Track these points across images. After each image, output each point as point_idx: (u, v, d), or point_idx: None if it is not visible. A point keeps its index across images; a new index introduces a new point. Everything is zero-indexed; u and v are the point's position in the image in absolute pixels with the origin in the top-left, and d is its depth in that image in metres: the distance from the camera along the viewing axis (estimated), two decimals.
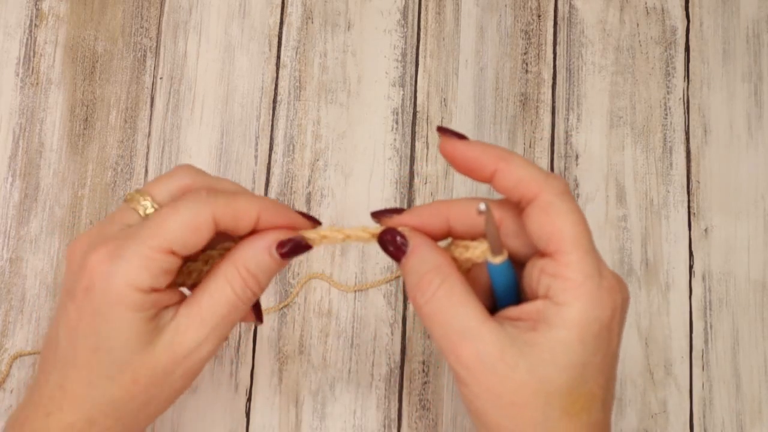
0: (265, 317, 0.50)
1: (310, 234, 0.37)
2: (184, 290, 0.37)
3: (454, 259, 0.36)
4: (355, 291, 0.51)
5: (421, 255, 0.36)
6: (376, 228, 0.37)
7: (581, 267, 0.33)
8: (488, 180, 0.35)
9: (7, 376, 0.49)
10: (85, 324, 0.34)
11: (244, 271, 0.36)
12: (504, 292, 0.36)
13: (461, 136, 0.36)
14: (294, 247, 0.36)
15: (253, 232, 0.37)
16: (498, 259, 0.35)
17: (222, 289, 0.36)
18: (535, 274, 0.34)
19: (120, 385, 0.35)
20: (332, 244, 0.38)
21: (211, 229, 0.35)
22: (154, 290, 0.35)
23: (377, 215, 0.37)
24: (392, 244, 0.36)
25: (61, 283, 0.37)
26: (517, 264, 0.36)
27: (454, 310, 0.34)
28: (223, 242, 0.38)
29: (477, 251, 0.36)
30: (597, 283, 0.33)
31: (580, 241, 0.33)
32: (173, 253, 0.34)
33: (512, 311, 0.34)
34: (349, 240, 0.37)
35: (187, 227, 0.34)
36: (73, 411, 0.35)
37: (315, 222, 0.38)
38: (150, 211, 0.37)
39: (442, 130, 0.36)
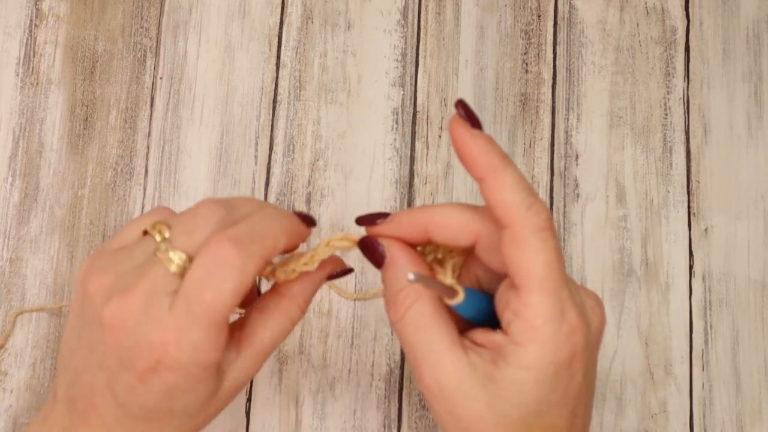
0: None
1: (342, 243, 0.38)
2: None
3: (433, 269, 0.36)
4: (355, 300, 0.51)
5: (396, 270, 0.36)
6: (335, 239, 0.37)
7: (541, 310, 0.32)
8: (478, 183, 0.34)
9: (9, 335, 0.49)
10: (156, 395, 0.34)
11: (302, 301, 0.37)
12: (474, 319, 0.36)
13: (475, 122, 0.34)
14: (339, 275, 0.39)
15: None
16: (453, 302, 0.34)
17: (283, 325, 0.37)
18: (502, 303, 0.34)
19: (191, 427, 0.36)
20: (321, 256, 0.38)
21: (251, 284, 0.34)
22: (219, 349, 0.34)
23: (361, 221, 0.37)
24: (371, 251, 0.36)
25: (82, 323, 0.36)
26: (498, 278, 0.35)
27: (420, 334, 0.34)
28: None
29: (446, 279, 0.36)
30: (556, 327, 0.32)
31: (545, 283, 0.32)
32: (229, 312, 0.34)
33: (479, 336, 0.34)
34: (332, 248, 0.38)
35: (234, 299, 0.33)
36: None
37: (310, 223, 0.38)
38: (178, 268, 0.34)
39: (460, 107, 0.34)
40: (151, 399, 0.34)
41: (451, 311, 0.35)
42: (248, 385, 0.50)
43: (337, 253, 0.39)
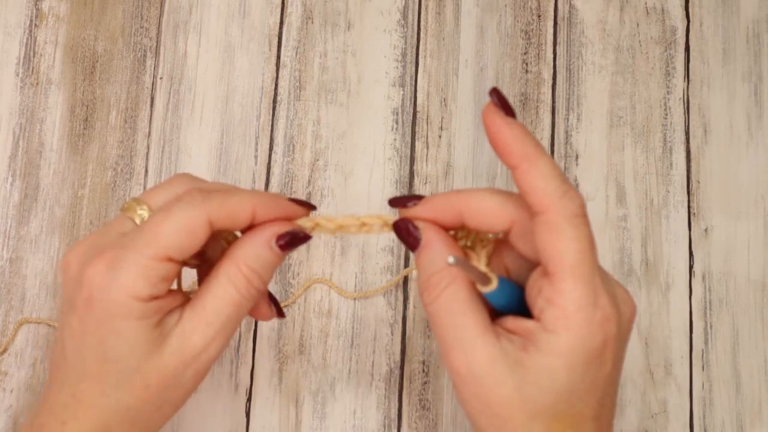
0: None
1: (305, 223, 0.37)
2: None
3: (467, 251, 0.36)
4: (355, 299, 0.51)
5: (432, 253, 0.35)
6: (369, 217, 0.37)
7: (575, 297, 0.32)
8: (511, 170, 0.34)
9: (12, 342, 0.49)
10: (90, 336, 0.34)
11: (246, 268, 0.36)
12: (504, 308, 0.35)
13: (509, 111, 0.34)
14: (292, 239, 0.36)
15: (251, 227, 0.36)
16: (486, 289, 0.34)
17: (225, 289, 0.35)
18: (534, 290, 0.34)
19: (132, 392, 0.35)
20: (326, 233, 0.38)
21: (207, 231, 0.35)
22: (155, 298, 0.34)
23: (394, 203, 0.37)
24: (406, 233, 0.36)
25: (62, 293, 0.37)
26: (528, 267, 0.35)
27: (453, 318, 0.34)
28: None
29: (480, 266, 0.36)
30: (589, 314, 0.32)
31: (579, 270, 0.32)
32: (170, 259, 0.34)
33: (511, 323, 0.34)
34: (341, 231, 0.37)
35: (183, 231, 0.34)
36: (87, 419, 0.35)
37: (309, 207, 0.38)
38: (146, 218, 0.36)
39: (494, 94, 0.34)
40: (86, 341, 0.34)
41: (482, 298, 0.35)
42: (248, 385, 0.50)
43: (330, 246, 0.39)
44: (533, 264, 0.35)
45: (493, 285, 0.34)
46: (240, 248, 0.36)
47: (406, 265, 0.52)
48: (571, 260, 0.32)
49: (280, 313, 0.40)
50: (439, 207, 0.36)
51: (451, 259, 0.32)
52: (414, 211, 0.36)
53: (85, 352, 0.35)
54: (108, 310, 0.34)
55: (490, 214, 0.35)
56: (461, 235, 0.37)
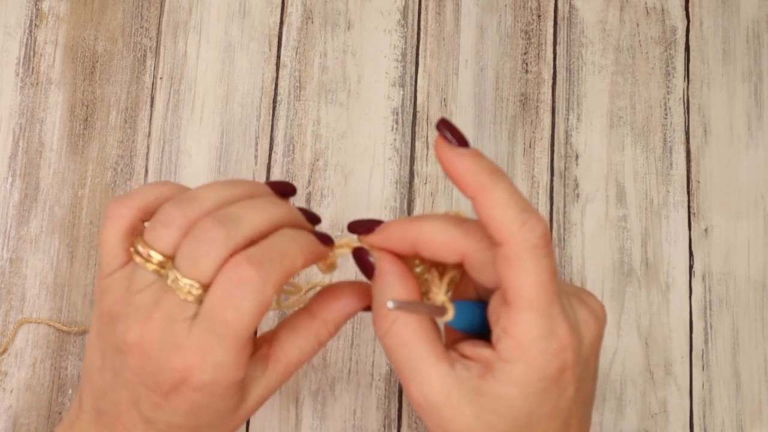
0: (264, 317, 0.50)
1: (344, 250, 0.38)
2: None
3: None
4: None
5: (383, 283, 0.35)
6: (339, 242, 0.37)
7: (531, 329, 0.32)
8: (470, 200, 0.34)
9: (12, 342, 0.49)
10: (181, 414, 0.34)
11: (333, 327, 0.37)
12: (468, 330, 0.35)
13: (461, 140, 0.34)
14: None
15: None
16: (442, 320, 0.34)
17: (311, 345, 0.37)
18: (494, 317, 0.33)
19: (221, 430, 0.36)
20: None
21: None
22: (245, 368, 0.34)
23: (352, 227, 0.37)
24: (362, 263, 0.36)
25: (99, 335, 0.36)
26: (489, 292, 0.35)
27: (406, 349, 0.34)
28: None
29: (439, 295, 0.35)
30: (544, 345, 0.32)
31: (536, 302, 0.32)
32: (251, 337, 0.34)
33: (468, 349, 0.34)
34: (335, 253, 0.38)
35: (257, 317, 0.33)
36: None
37: (327, 241, 0.38)
38: (197, 293, 0.33)
39: (442, 127, 0.34)
40: (176, 416, 0.34)
41: (435, 325, 0.35)
42: None
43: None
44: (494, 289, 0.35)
45: (449, 316, 0.34)
46: (327, 310, 0.37)
47: None
48: (529, 293, 0.32)
49: (317, 219, 0.40)
50: (393, 236, 0.35)
51: (390, 304, 0.32)
52: (369, 239, 0.36)
53: (174, 421, 0.34)
54: (203, 395, 0.34)
55: (442, 247, 0.34)
56: (418, 262, 0.37)
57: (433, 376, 0.33)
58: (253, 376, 0.36)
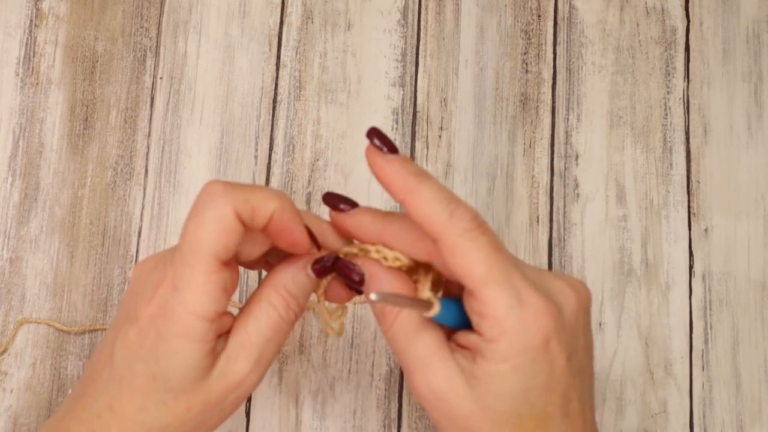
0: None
1: (352, 249, 0.38)
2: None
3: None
4: (354, 304, 0.51)
5: (377, 283, 0.36)
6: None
7: (498, 303, 0.33)
8: (401, 205, 0.35)
9: (12, 342, 0.49)
10: (146, 350, 0.34)
11: (285, 292, 0.36)
12: (457, 326, 0.36)
13: (391, 147, 0.35)
14: (327, 265, 0.37)
15: (288, 256, 0.37)
16: (428, 314, 0.34)
17: (266, 313, 0.36)
18: (468, 308, 0.35)
19: (173, 412, 0.35)
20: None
21: (239, 224, 0.34)
22: (218, 315, 0.35)
23: (328, 199, 0.37)
24: (348, 274, 0.37)
25: (122, 301, 0.37)
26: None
27: (409, 342, 0.35)
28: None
29: (424, 292, 0.36)
30: (519, 314, 0.33)
31: (492, 276, 0.33)
32: (222, 264, 0.34)
33: (462, 338, 0.35)
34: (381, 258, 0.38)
35: (220, 233, 0.34)
36: None
37: (315, 242, 0.38)
38: None
39: (372, 135, 0.36)
40: (140, 354, 0.34)
41: None
42: None
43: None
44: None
45: (435, 310, 0.34)
46: (278, 274, 0.37)
47: None
48: (479, 272, 0.33)
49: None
50: (364, 226, 0.37)
51: (374, 296, 0.33)
52: (340, 218, 0.37)
53: (136, 365, 0.35)
54: (172, 329, 0.34)
55: (407, 246, 0.36)
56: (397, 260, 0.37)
57: (436, 365, 0.34)
58: (218, 346, 0.35)
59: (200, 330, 0.34)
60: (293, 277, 0.37)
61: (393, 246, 0.36)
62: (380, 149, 0.35)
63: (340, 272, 0.37)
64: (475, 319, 0.34)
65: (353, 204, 0.37)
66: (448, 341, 0.35)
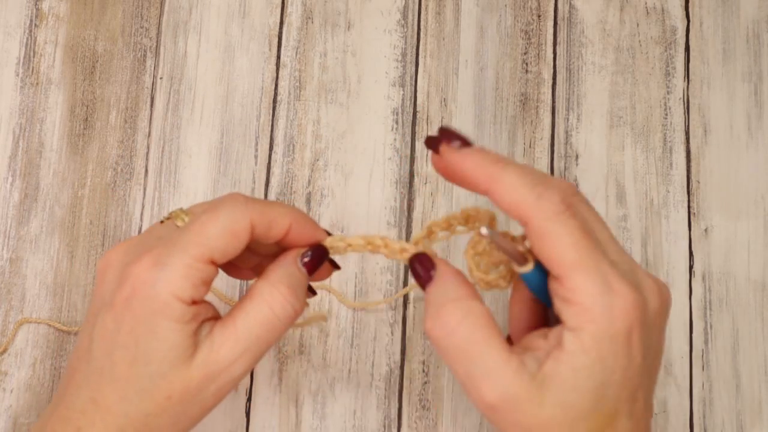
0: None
1: (336, 242, 0.37)
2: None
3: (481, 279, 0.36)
4: (356, 309, 0.51)
5: (444, 285, 0.35)
6: (399, 244, 0.37)
7: (586, 289, 0.32)
8: (488, 196, 0.34)
9: (12, 342, 0.49)
10: (124, 335, 0.34)
11: (282, 287, 0.36)
12: (540, 294, 0.35)
13: (464, 141, 0.34)
14: (315, 255, 0.37)
15: (282, 250, 0.37)
16: (523, 269, 0.34)
17: (260, 308, 0.35)
18: (552, 294, 0.34)
19: (154, 399, 0.34)
20: (358, 252, 0.38)
21: (249, 235, 0.35)
22: (195, 302, 0.34)
23: (433, 141, 0.35)
24: (422, 269, 0.36)
25: (93, 294, 0.37)
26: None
27: (476, 348, 0.33)
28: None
29: (494, 276, 0.35)
30: (607, 302, 0.32)
31: (581, 262, 0.32)
32: (212, 262, 0.34)
33: (528, 342, 0.34)
34: (373, 249, 0.37)
35: (228, 233, 0.34)
36: (105, 426, 0.35)
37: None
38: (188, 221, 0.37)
39: (443, 133, 0.34)
40: (118, 340, 0.34)
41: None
42: (248, 385, 0.50)
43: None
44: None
45: (530, 265, 0.33)
46: (274, 269, 0.36)
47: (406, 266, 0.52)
48: (570, 258, 0.32)
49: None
50: (473, 169, 0.34)
51: (483, 230, 0.32)
52: (450, 155, 0.35)
53: (115, 352, 0.34)
54: (149, 308, 0.34)
55: (511, 206, 0.33)
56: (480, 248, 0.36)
57: (509, 374, 0.33)
58: (202, 331, 0.35)
59: (177, 309, 0.34)
60: (286, 269, 0.36)
61: (497, 200, 0.33)
62: (453, 146, 0.34)
63: (416, 266, 0.36)
64: (559, 306, 0.33)
65: (465, 141, 0.35)
66: (514, 345, 0.34)
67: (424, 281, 0.36)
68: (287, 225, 0.36)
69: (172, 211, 0.37)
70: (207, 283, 0.35)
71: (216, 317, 0.36)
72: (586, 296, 0.32)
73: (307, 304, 0.39)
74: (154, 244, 0.35)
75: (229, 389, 0.36)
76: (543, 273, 0.34)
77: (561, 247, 0.32)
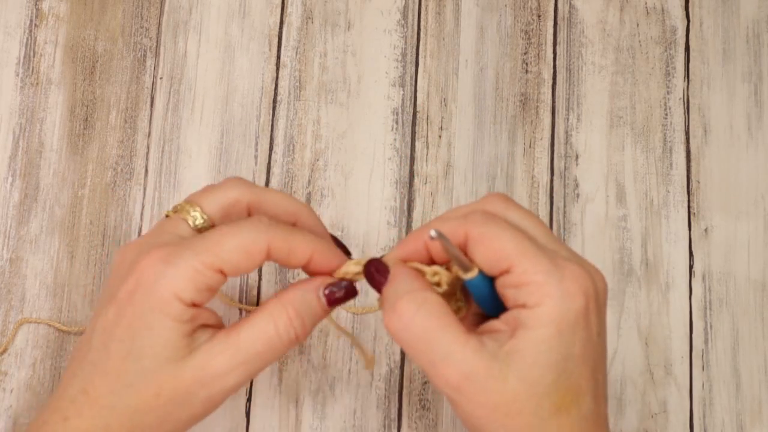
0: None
1: (353, 268, 0.38)
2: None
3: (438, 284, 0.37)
4: (354, 314, 0.51)
5: (396, 282, 0.36)
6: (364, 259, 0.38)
7: (537, 269, 0.33)
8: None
9: (12, 342, 0.49)
10: (122, 328, 0.35)
11: (291, 309, 0.36)
12: (485, 303, 0.36)
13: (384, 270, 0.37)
14: (341, 291, 0.38)
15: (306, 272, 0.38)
16: (468, 275, 0.35)
17: (264, 324, 0.36)
18: (502, 291, 0.35)
19: (141, 395, 0.35)
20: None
21: (264, 257, 0.35)
22: (195, 305, 0.35)
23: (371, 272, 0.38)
24: (377, 275, 0.37)
25: (103, 286, 0.38)
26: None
27: (435, 335, 0.34)
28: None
29: (443, 277, 0.36)
30: (559, 276, 0.33)
31: (524, 249, 0.34)
32: (222, 272, 0.35)
33: (488, 325, 0.35)
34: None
35: (243, 250, 0.35)
36: (91, 417, 0.35)
37: (345, 251, 0.40)
38: (199, 221, 0.37)
39: (372, 266, 0.37)
40: (116, 333, 0.35)
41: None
42: (248, 385, 0.50)
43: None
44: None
45: (475, 272, 0.35)
46: (289, 291, 0.37)
47: None
48: (513, 247, 0.34)
49: (347, 252, 0.41)
50: (408, 247, 0.37)
51: (433, 233, 0.34)
52: (387, 256, 0.38)
53: (111, 344, 0.35)
54: (149, 304, 0.34)
55: (450, 234, 0.36)
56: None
57: (468, 354, 0.33)
58: (200, 337, 0.35)
59: (175, 308, 0.34)
60: (303, 295, 0.37)
61: (433, 249, 0.36)
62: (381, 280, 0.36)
63: (368, 272, 0.37)
64: (512, 294, 0.34)
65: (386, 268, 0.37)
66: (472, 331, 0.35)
67: (379, 284, 0.37)
68: (308, 255, 0.37)
69: (178, 203, 0.38)
70: (211, 290, 0.35)
71: (219, 326, 0.37)
72: (539, 274, 0.33)
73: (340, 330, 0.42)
74: (167, 241, 0.36)
75: (219, 400, 0.36)
76: (488, 280, 0.36)
77: (502, 243, 0.34)
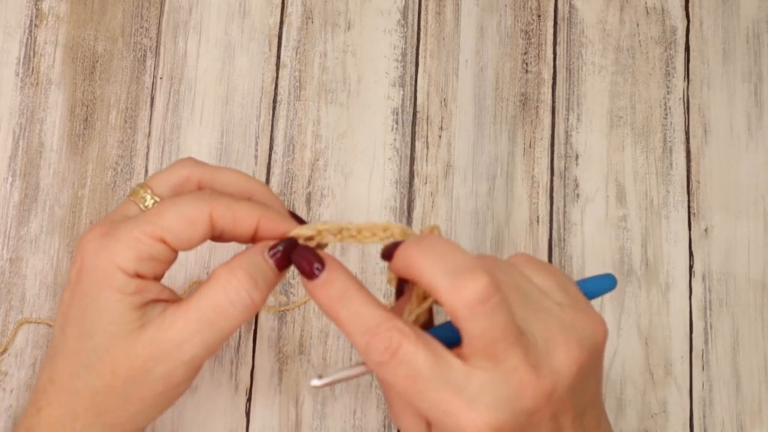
0: (264, 317, 0.50)
1: (305, 231, 0.36)
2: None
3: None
4: (279, 311, 0.51)
5: (353, 302, 0.34)
6: (381, 229, 0.37)
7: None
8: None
9: (11, 342, 0.49)
10: (74, 308, 0.35)
11: (240, 272, 0.35)
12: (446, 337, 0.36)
13: (320, 262, 0.35)
14: (285, 250, 0.36)
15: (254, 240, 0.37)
16: (360, 374, 0.36)
17: (214, 292, 0.35)
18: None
19: (99, 374, 0.34)
20: (332, 242, 0.37)
21: (207, 226, 0.35)
22: (139, 276, 0.34)
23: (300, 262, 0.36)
24: (307, 258, 0.35)
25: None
26: None
27: (420, 361, 0.32)
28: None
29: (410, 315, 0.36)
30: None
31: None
32: (164, 241, 0.34)
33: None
34: (342, 237, 0.37)
35: (183, 218, 0.35)
36: (59, 405, 0.35)
37: (298, 220, 0.39)
38: (149, 202, 0.37)
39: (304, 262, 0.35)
40: (70, 315, 0.35)
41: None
42: (248, 385, 0.50)
43: (329, 246, 0.39)
44: None
45: (366, 374, 0.35)
46: (238, 256, 0.36)
47: None
48: (477, 343, 0.32)
49: (300, 220, 0.39)
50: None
51: (317, 382, 0.34)
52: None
53: (67, 327, 0.35)
54: (93, 278, 0.34)
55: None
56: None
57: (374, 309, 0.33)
58: (152, 313, 0.35)
59: (119, 279, 0.34)
60: (250, 258, 0.35)
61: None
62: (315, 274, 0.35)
63: (295, 262, 0.35)
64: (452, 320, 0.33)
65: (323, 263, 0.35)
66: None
67: (310, 272, 0.35)
68: (254, 222, 0.36)
69: (132, 187, 0.39)
70: (157, 261, 0.35)
71: (173, 301, 0.36)
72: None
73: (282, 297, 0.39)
74: (112, 221, 0.36)
75: (181, 375, 0.35)
76: (442, 335, 0.34)
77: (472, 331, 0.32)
